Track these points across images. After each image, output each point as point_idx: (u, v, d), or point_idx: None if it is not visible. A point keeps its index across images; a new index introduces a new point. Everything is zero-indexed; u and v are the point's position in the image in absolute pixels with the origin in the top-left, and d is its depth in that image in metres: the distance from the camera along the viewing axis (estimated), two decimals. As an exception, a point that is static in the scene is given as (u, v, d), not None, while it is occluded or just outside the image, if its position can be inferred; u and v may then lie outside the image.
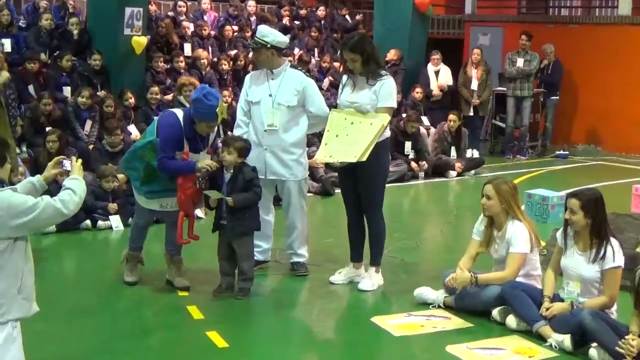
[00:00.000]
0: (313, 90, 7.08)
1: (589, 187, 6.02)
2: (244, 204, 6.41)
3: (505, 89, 14.50)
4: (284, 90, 6.96)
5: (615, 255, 5.55)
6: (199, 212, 8.15)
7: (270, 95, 6.96)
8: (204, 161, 6.42)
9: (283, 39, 7.09)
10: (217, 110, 6.36)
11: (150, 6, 13.58)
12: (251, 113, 7.06)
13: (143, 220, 6.86)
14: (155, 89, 11.67)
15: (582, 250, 5.69)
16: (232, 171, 6.44)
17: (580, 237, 5.70)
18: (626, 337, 5.05)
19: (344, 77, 6.84)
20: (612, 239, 5.61)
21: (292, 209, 7.15)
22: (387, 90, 6.57)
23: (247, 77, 7.29)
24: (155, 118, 6.88)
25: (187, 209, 6.49)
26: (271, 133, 6.95)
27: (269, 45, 6.93)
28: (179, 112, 6.57)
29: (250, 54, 13.47)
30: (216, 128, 6.81)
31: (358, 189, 6.73)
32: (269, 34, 7.00)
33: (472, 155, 13.41)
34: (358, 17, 16.89)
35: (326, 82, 13.46)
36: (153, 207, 6.66)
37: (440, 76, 14.48)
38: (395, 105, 6.75)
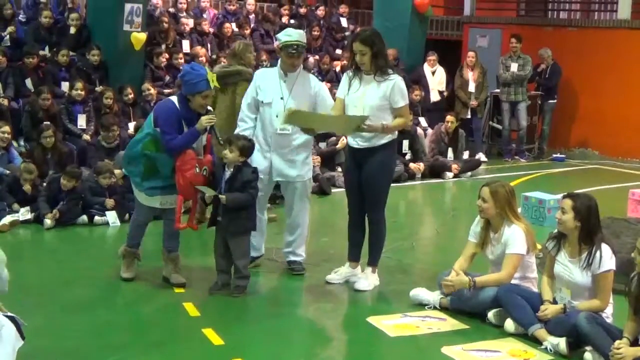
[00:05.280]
0: (325, 95, 7.09)
1: (586, 192, 6.02)
2: (237, 205, 6.40)
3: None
4: (297, 94, 6.90)
5: (604, 260, 5.56)
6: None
7: (282, 98, 6.89)
8: (201, 120, 6.42)
9: None
10: (207, 77, 6.39)
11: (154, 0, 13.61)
12: (261, 113, 6.98)
13: (143, 217, 6.85)
14: (147, 85, 11.65)
15: (570, 256, 5.71)
16: (232, 169, 6.45)
17: (569, 243, 5.73)
18: (615, 343, 5.08)
19: (350, 73, 6.74)
20: (603, 245, 5.62)
21: (297, 209, 7.14)
22: (398, 90, 6.54)
23: (258, 75, 7.20)
24: (151, 112, 6.89)
25: (186, 193, 6.49)
26: (282, 136, 6.91)
27: (305, 46, 7.00)
28: (174, 98, 6.67)
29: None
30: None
31: (362, 188, 6.72)
32: (303, 35, 7.03)
33: (479, 158, 13.48)
34: (346, 21, 16.73)
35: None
36: (153, 205, 6.67)
37: (435, 77, 14.51)
38: (407, 102, 6.72)
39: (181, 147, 6.40)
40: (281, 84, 6.94)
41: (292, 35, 6.91)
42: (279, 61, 7.06)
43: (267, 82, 7.00)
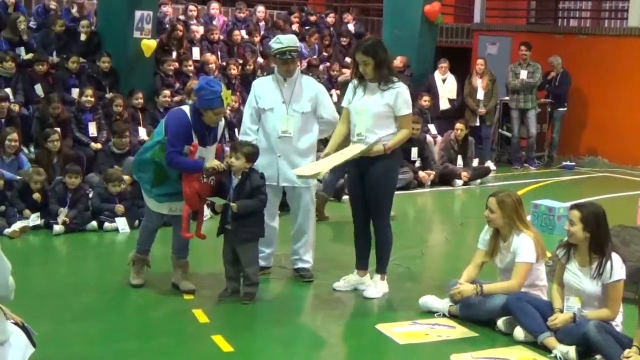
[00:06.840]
0: (325, 97, 7.13)
1: (593, 201, 6.00)
2: (248, 211, 6.42)
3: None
4: (298, 96, 6.98)
5: (615, 270, 5.54)
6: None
7: (283, 102, 6.97)
8: (212, 161, 6.44)
9: None
10: (221, 94, 6.39)
11: (164, 7, 13.63)
12: (263, 120, 7.03)
13: (153, 224, 6.87)
14: (167, 92, 11.72)
15: (580, 265, 5.69)
16: (239, 176, 6.45)
17: (579, 252, 5.71)
18: (625, 352, 5.07)
19: (354, 82, 6.78)
20: (614, 255, 5.60)
21: (303, 214, 7.16)
22: (403, 98, 6.56)
23: (255, 84, 7.25)
24: (162, 120, 6.90)
25: (193, 203, 6.50)
26: (284, 140, 6.96)
27: (297, 50, 7.04)
28: (186, 107, 6.66)
29: (260, 60, 13.60)
30: (223, 124, 6.81)
31: (366, 196, 6.72)
32: (298, 42, 7.07)
33: (489, 166, 13.45)
34: (352, 25, 16.76)
35: (334, 94, 13.42)
36: (162, 211, 6.69)
37: (445, 85, 14.50)
38: (411, 111, 6.75)
39: (179, 167, 6.40)
40: (281, 89, 7.00)
41: (282, 42, 6.94)
42: (275, 68, 7.11)
43: (265, 90, 7.06)
